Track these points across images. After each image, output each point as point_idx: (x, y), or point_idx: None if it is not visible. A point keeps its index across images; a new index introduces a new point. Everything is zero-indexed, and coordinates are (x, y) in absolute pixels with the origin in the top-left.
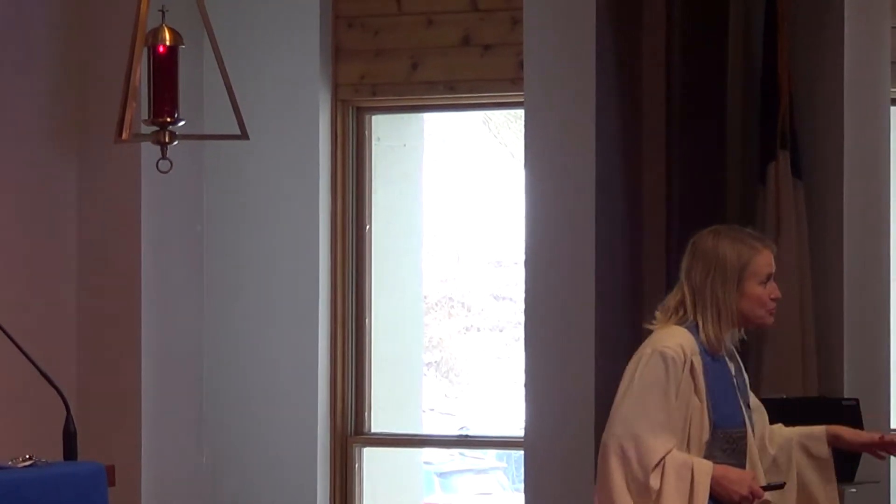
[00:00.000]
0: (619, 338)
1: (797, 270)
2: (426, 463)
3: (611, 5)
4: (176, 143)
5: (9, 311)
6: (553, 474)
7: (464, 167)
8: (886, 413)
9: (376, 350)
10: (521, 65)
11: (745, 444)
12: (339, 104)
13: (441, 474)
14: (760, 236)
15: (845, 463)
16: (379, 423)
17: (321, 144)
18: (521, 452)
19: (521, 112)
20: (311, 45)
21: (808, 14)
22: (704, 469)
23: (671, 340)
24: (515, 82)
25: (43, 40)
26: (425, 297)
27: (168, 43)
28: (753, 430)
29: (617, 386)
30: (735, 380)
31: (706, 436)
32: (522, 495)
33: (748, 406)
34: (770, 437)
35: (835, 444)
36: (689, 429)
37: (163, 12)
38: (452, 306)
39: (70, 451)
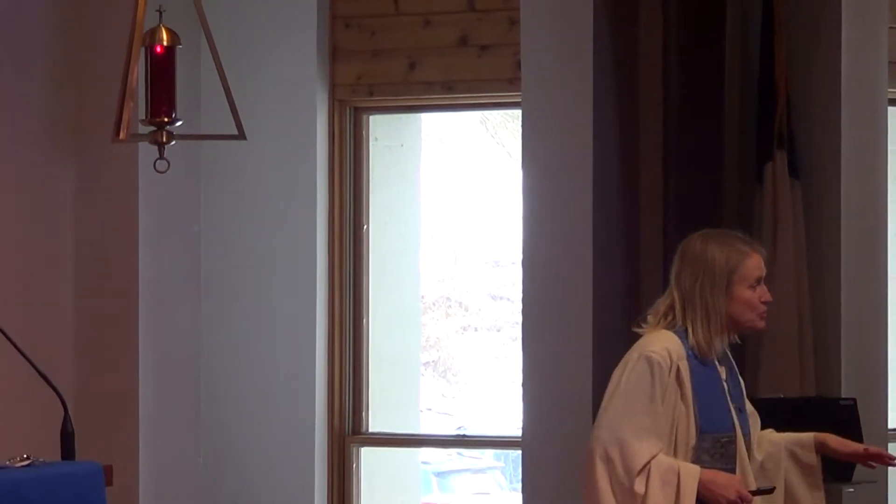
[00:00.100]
0: (617, 338)
1: (794, 270)
2: (424, 462)
3: (608, 5)
4: (173, 143)
5: (6, 310)
6: (551, 474)
7: (461, 167)
8: (884, 412)
9: (374, 350)
10: (518, 65)
11: (735, 449)
12: (337, 104)
13: (439, 474)
14: (749, 240)
15: (843, 463)
16: (376, 422)
17: (318, 144)
18: (519, 452)
19: (518, 112)
20: (309, 45)
21: (806, 14)
22: (691, 473)
23: (657, 345)
24: (513, 82)
25: (40, 40)
26: (423, 297)
27: (165, 43)
28: (749, 435)
29: None
30: (726, 384)
31: (693, 440)
32: (520, 495)
33: (741, 411)
34: (759, 442)
35: (822, 451)
36: (676, 433)
37: (160, 12)
38: (450, 306)
39: (68, 451)
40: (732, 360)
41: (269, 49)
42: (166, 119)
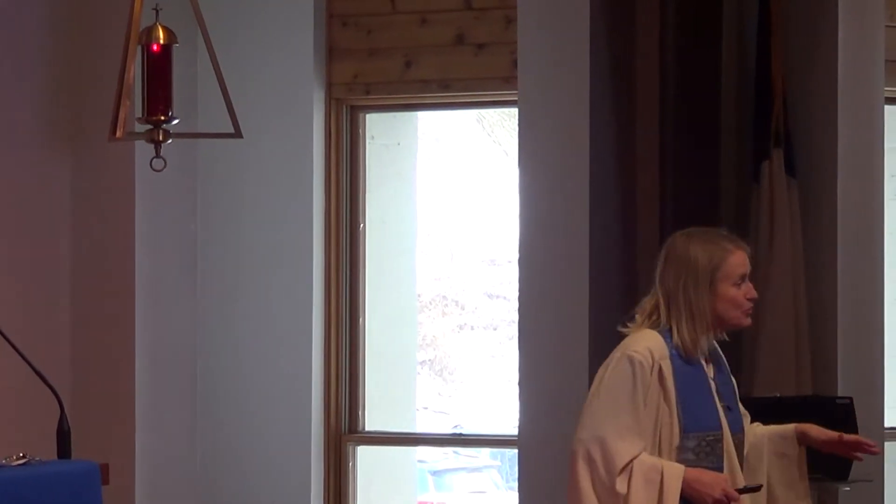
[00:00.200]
0: (613, 337)
1: (791, 269)
2: (420, 461)
3: (605, 5)
4: (170, 141)
5: (3, 309)
6: (547, 472)
7: (458, 165)
8: (880, 411)
9: (370, 348)
10: (514, 63)
11: (722, 447)
12: (333, 103)
13: (435, 472)
14: (733, 237)
15: (839, 462)
16: (373, 421)
17: (315, 143)
18: (515, 451)
19: (514, 110)
20: (305, 43)
21: (803, 13)
22: (675, 472)
23: (640, 345)
24: (509, 81)
25: (37, 39)
26: (419, 296)
27: (162, 41)
28: (741, 433)
29: None
30: (714, 382)
31: (677, 440)
32: (516, 493)
33: (730, 408)
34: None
35: (803, 441)
36: (660, 433)
37: (157, 11)
38: (446, 304)
39: (64, 450)
40: (723, 357)
41: (266, 47)
42: (163, 117)
